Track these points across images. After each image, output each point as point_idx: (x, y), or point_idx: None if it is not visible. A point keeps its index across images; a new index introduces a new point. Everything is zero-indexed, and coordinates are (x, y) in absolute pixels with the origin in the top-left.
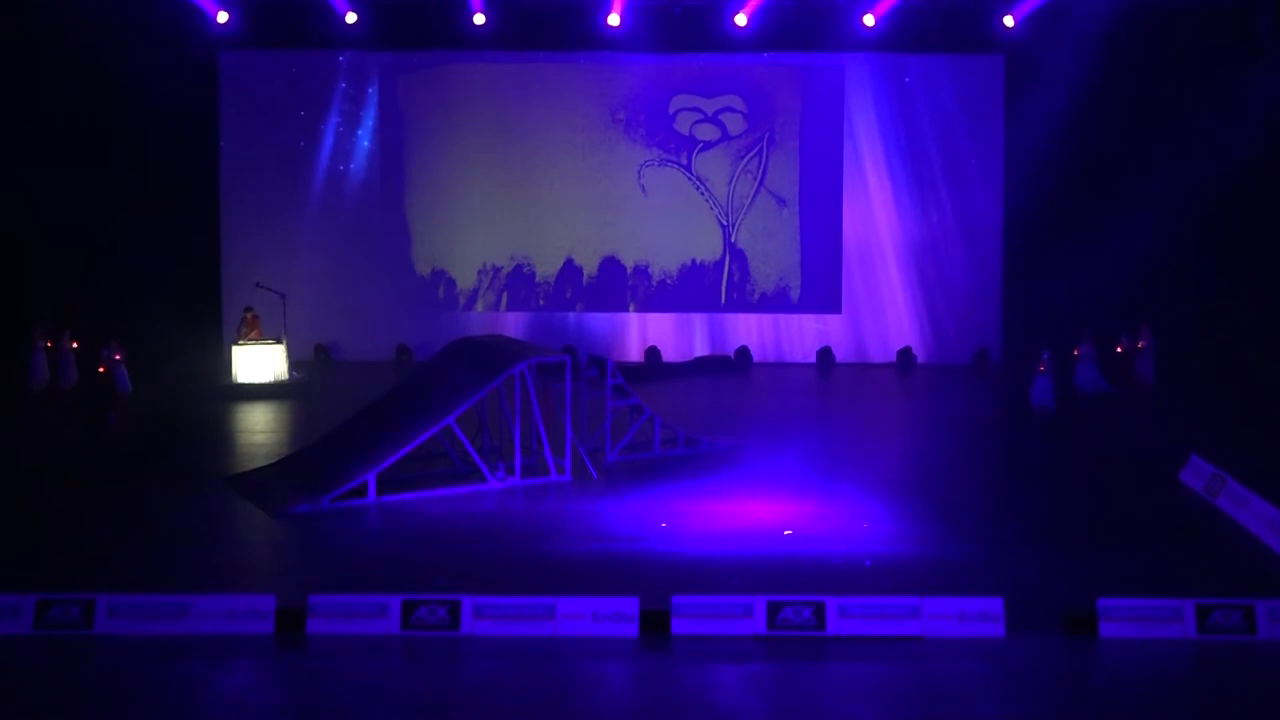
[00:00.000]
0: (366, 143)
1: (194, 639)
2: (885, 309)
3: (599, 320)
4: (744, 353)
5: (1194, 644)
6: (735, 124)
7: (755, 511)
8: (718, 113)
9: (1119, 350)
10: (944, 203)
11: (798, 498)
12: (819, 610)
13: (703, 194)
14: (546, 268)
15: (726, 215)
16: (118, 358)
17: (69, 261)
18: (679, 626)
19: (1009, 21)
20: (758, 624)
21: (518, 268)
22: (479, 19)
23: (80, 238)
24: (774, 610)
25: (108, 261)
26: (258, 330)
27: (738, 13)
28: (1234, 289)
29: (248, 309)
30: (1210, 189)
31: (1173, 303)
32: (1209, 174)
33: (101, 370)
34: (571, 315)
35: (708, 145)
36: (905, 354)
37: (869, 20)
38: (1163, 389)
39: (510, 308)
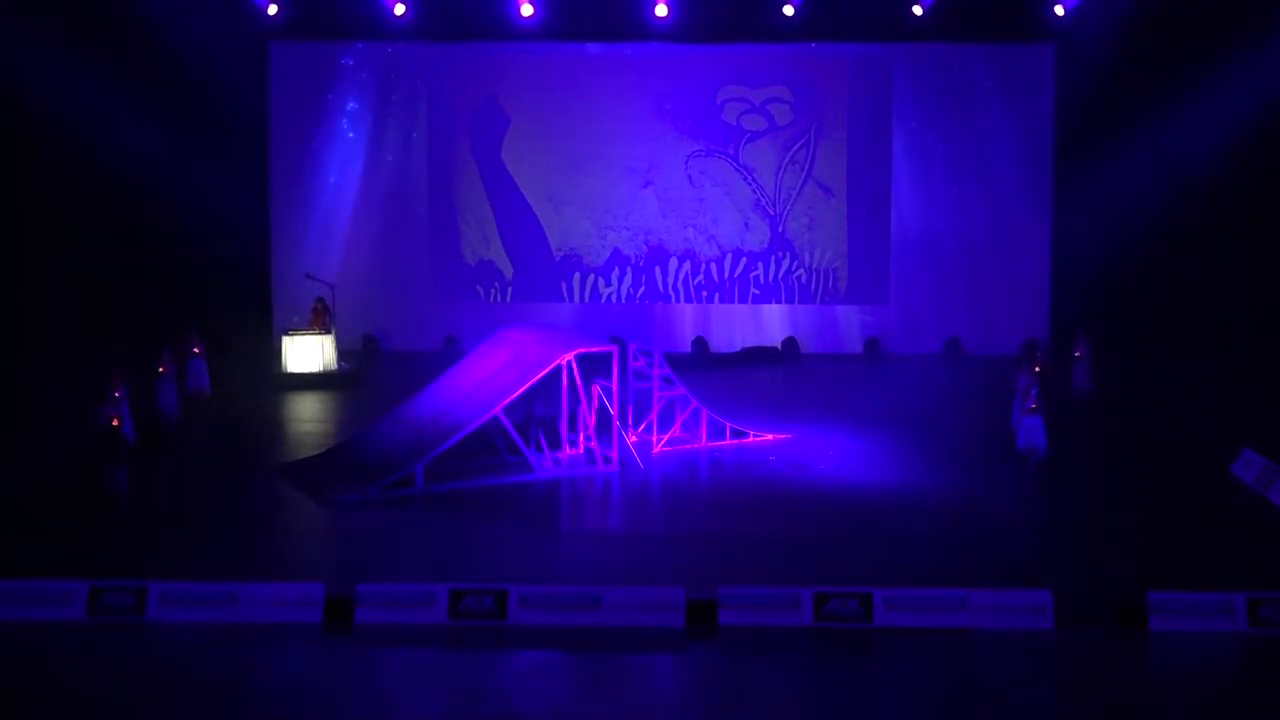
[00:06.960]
0: (414, 133)
1: (243, 627)
2: (933, 299)
3: (646, 310)
4: (791, 343)
5: (1245, 637)
6: (783, 114)
7: (802, 502)
8: (765, 103)
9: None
10: (993, 192)
11: (841, 487)
12: (866, 601)
13: (750, 184)
14: (594, 258)
15: (774, 205)
16: (160, 372)
17: (121, 258)
18: (726, 617)
19: (1059, 10)
20: (804, 615)
21: (565, 258)
22: (527, 10)
23: (129, 231)
24: (821, 601)
25: (160, 254)
26: (322, 320)
27: (785, 2)
28: None
29: (319, 299)
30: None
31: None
32: (1268, 164)
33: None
34: (618, 305)
35: (755, 135)
36: (953, 344)
37: (917, 9)
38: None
39: (557, 298)
